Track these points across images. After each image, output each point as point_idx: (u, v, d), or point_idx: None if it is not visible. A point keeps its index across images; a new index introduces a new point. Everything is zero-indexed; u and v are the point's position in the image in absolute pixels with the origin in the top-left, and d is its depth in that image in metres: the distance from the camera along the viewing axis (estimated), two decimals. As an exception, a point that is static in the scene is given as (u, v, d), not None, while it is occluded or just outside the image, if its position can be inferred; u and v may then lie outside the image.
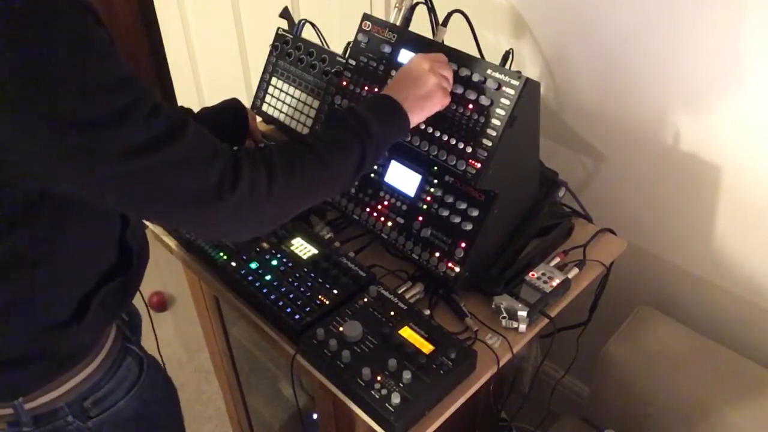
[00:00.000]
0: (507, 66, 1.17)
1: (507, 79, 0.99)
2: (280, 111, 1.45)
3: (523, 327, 1.06)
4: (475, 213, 1.07)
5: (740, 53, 1.11)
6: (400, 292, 1.10)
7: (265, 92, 1.48)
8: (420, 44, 1.10)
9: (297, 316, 1.04)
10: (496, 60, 1.13)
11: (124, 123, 0.67)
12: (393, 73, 1.10)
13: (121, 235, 0.89)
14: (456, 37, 1.17)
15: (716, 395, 1.20)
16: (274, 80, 1.46)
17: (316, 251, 1.15)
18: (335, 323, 1.02)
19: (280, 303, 1.06)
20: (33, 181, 0.71)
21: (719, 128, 1.20)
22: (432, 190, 1.12)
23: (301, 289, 1.08)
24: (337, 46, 1.48)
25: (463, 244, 1.08)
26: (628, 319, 1.36)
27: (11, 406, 0.86)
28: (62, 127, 0.64)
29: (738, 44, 1.10)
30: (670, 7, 1.14)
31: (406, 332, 1.00)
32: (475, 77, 1.02)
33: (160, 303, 2.42)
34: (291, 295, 1.07)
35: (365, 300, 1.06)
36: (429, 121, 1.05)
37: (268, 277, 1.10)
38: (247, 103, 1.37)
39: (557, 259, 1.17)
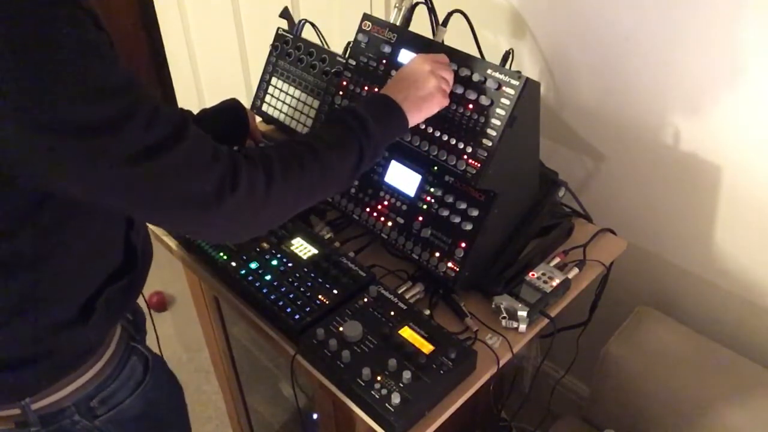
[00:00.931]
0: (507, 66, 1.17)
1: (507, 79, 0.99)
2: (280, 111, 1.45)
3: (523, 327, 1.06)
4: (475, 213, 1.07)
5: (740, 53, 1.11)
6: (400, 292, 1.10)
7: (265, 92, 1.48)
8: (420, 44, 1.10)
9: (297, 316, 1.04)
10: (496, 60, 1.13)
11: (124, 128, 0.67)
12: (393, 73, 1.10)
13: (126, 235, 0.89)
14: (456, 37, 1.17)
15: (716, 395, 1.20)
16: (274, 80, 1.46)
17: (316, 251, 1.15)
18: (335, 323, 1.02)
19: (280, 303, 1.06)
20: (35, 182, 0.71)
21: (719, 128, 1.20)
22: (432, 190, 1.12)
23: (301, 289, 1.08)
24: (337, 46, 1.48)
25: (463, 244, 1.08)
26: (628, 319, 1.36)
27: (18, 407, 0.86)
28: (62, 132, 0.64)
29: (737, 44, 1.10)
30: (670, 7, 1.14)
31: (406, 332, 1.00)
32: (475, 77, 1.02)
33: (160, 303, 2.42)
34: (291, 295, 1.07)
35: (365, 300, 1.06)
36: (429, 121, 1.05)
37: (268, 277, 1.10)
38: (247, 103, 1.37)
39: (557, 259, 1.17)
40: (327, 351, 0.98)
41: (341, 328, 1.00)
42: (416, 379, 0.93)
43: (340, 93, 1.19)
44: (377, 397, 0.92)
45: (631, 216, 1.42)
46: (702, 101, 1.19)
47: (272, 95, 1.47)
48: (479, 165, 1.02)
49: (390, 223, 1.17)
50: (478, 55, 1.15)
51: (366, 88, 1.15)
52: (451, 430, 1.04)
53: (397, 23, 1.20)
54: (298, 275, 1.11)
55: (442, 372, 0.94)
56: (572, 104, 1.40)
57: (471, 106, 1.02)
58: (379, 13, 1.62)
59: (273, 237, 1.18)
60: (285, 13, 1.47)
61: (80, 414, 0.90)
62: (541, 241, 1.20)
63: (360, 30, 1.17)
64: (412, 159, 1.15)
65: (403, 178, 1.16)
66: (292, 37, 1.43)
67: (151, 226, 1.23)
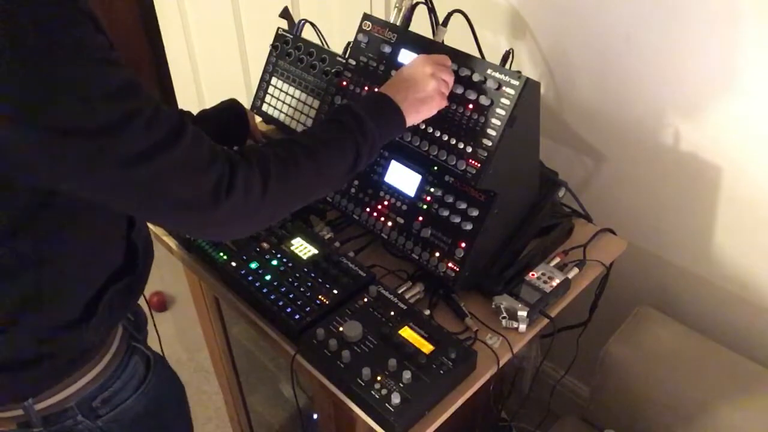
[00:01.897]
0: (507, 66, 1.17)
1: (507, 79, 0.99)
2: (280, 111, 1.45)
3: (523, 327, 1.06)
4: (475, 213, 1.07)
5: (740, 53, 1.11)
6: (400, 292, 1.10)
7: (265, 92, 1.48)
8: (420, 44, 1.10)
9: (297, 316, 1.04)
10: (496, 60, 1.13)
11: (124, 130, 0.67)
12: (393, 73, 1.09)
13: (127, 235, 0.90)
14: (456, 37, 1.17)
15: (716, 395, 1.20)
16: (274, 80, 1.46)
17: (316, 251, 1.15)
18: (335, 323, 1.02)
19: (280, 303, 1.06)
20: (35, 183, 0.71)
21: (719, 128, 1.20)
22: (432, 190, 1.12)
23: (301, 289, 1.08)
24: (337, 46, 1.48)
25: (463, 244, 1.08)
26: (628, 319, 1.36)
27: (21, 407, 0.86)
28: (63, 134, 0.65)
29: (737, 44, 1.10)
30: (670, 8, 1.14)
31: (406, 332, 1.00)
32: (475, 77, 1.02)
33: (160, 303, 2.42)
34: (291, 295, 1.07)
35: (365, 300, 1.06)
36: (429, 121, 1.05)
37: (268, 277, 1.10)
38: (247, 103, 1.37)
39: (557, 259, 1.17)
40: (327, 351, 0.98)
41: (341, 328, 1.00)
42: (416, 379, 0.93)
43: (340, 93, 1.19)
44: (377, 397, 0.92)
45: (631, 216, 1.42)
46: (702, 101, 1.19)
47: (272, 95, 1.47)
48: (479, 165, 1.02)
49: (390, 223, 1.17)
50: (478, 55, 1.15)
51: (366, 88, 1.15)
52: (451, 430, 1.04)
53: (397, 23, 1.20)
54: (298, 275, 1.11)
55: (442, 372, 0.94)
56: (572, 104, 1.40)
57: (471, 106, 1.02)
58: (379, 13, 1.62)
59: (273, 237, 1.18)
60: (285, 13, 1.47)
61: (83, 414, 0.90)
62: (541, 241, 1.20)
63: (360, 30, 1.17)
64: (412, 159, 1.15)
65: (403, 178, 1.16)
66: (292, 37, 1.43)
67: (151, 226, 1.23)
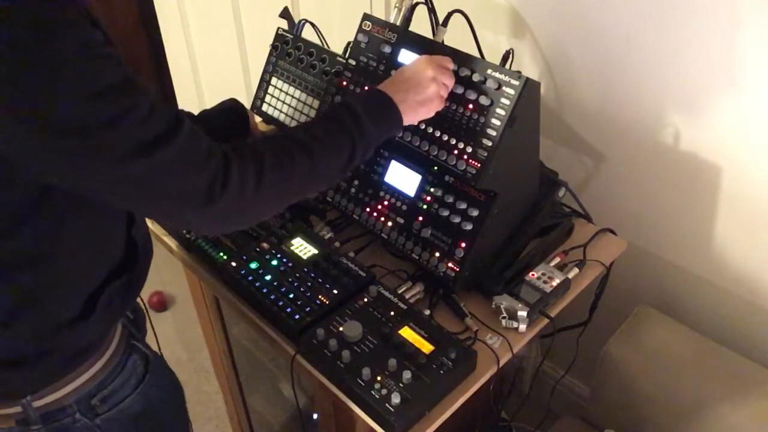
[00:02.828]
0: (507, 66, 1.17)
1: (507, 79, 0.99)
2: (280, 111, 1.45)
3: (523, 327, 1.06)
4: (475, 213, 1.07)
5: (740, 53, 1.11)
6: (400, 292, 1.10)
7: (265, 92, 1.48)
8: (420, 44, 1.10)
9: (297, 316, 1.04)
10: (496, 60, 1.13)
11: (120, 126, 0.68)
12: (393, 73, 1.09)
13: (126, 231, 0.90)
14: (456, 37, 1.17)
15: (716, 395, 1.20)
16: (274, 80, 1.46)
17: (316, 251, 1.15)
18: (335, 323, 1.02)
19: (280, 303, 1.06)
20: (33, 178, 0.72)
21: (719, 128, 1.20)
22: (432, 190, 1.12)
23: (301, 289, 1.08)
24: (337, 46, 1.48)
25: (463, 244, 1.08)
26: (628, 319, 1.36)
27: (20, 405, 0.86)
28: (59, 129, 0.65)
29: (737, 44, 1.10)
30: (670, 8, 1.14)
31: (406, 332, 1.00)
32: (475, 77, 1.02)
33: (160, 303, 2.42)
34: (291, 295, 1.07)
35: (365, 300, 1.06)
36: (429, 121, 1.05)
37: (268, 277, 1.10)
38: (247, 103, 1.37)
39: (557, 259, 1.17)
40: (327, 351, 0.98)
41: (341, 328, 1.00)
42: (416, 379, 0.93)
43: (340, 93, 1.19)
44: (377, 397, 0.92)
45: (631, 216, 1.42)
46: (702, 101, 1.19)
47: (272, 95, 1.47)
48: (479, 165, 1.02)
49: (390, 223, 1.17)
50: (478, 55, 1.15)
51: (366, 88, 1.15)
52: (451, 430, 1.03)
53: (397, 23, 1.20)
54: (298, 275, 1.11)
55: (442, 372, 0.94)
56: (572, 104, 1.40)
57: (471, 106, 1.02)
58: (379, 13, 1.62)
59: (273, 237, 1.18)
60: (285, 13, 1.47)
61: (81, 412, 0.91)
62: (541, 241, 1.20)
63: (360, 30, 1.16)
64: (412, 159, 1.15)
65: (403, 178, 1.16)
66: (292, 37, 1.43)
67: (151, 226, 1.23)
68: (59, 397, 0.89)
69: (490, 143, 1.01)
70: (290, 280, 1.10)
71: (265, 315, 1.08)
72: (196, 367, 2.23)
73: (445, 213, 1.10)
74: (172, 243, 1.24)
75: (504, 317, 1.06)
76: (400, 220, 1.16)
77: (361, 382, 0.94)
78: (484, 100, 1.01)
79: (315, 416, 1.30)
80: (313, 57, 1.38)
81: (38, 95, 0.63)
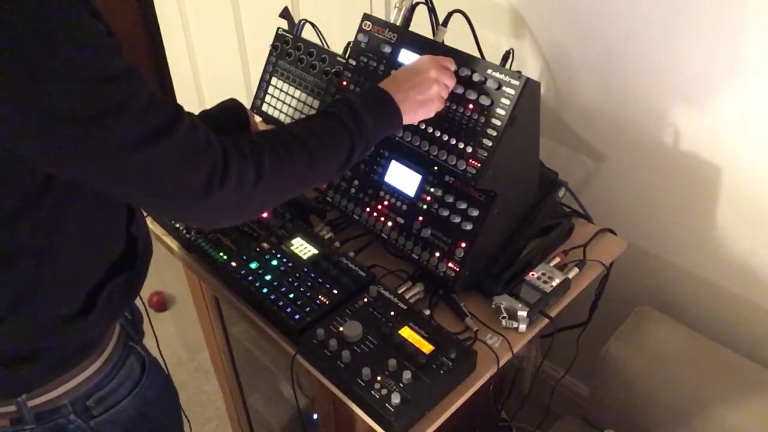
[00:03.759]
0: (507, 66, 1.17)
1: (507, 79, 0.99)
2: (280, 111, 1.45)
3: (523, 327, 1.06)
4: (475, 213, 1.07)
5: (740, 53, 1.11)
6: (400, 292, 1.10)
7: (265, 92, 1.48)
8: (420, 44, 1.10)
9: (297, 316, 1.04)
10: (496, 60, 1.13)
11: (120, 117, 0.68)
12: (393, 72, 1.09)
13: (126, 227, 0.90)
14: (456, 37, 1.17)
15: (716, 395, 1.20)
16: (274, 80, 1.46)
17: (316, 251, 1.15)
18: (335, 323, 1.02)
19: (280, 303, 1.06)
20: (33, 168, 0.72)
21: (719, 128, 1.20)
22: (432, 190, 1.12)
23: (301, 289, 1.08)
24: (337, 46, 1.48)
25: (463, 244, 1.08)
26: (628, 319, 1.36)
27: (15, 403, 0.86)
28: (58, 119, 0.65)
29: (738, 44, 1.10)
30: (670, 7, 1.14)
31: (406, 332, 1.00)
32: (476, 77, 1.02)
33: (160, 303, 2.42)
34: (291, 295, 1.07)
35: (365, 300, 1.06)
36: (429, 121, 1.05)
37: (268, 277, 1.10)
38: (247, 103, 1.37)
39: (557, 259, 1.17)
40: (327, 351, 0.98)
41: (341, 328, 1.00)
42: (416, 379, 0.93)
43: (340, 93, 1.19)
44: (377, 397, 0.92)
45: (631, 216, 1.42)
46: (702, 101, 1.19)
47: (272, 95, 1.47)
48: (479, 165, 1.02)
49: (390, 223, 1.17)
50: (478, 55, 1.15)
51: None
52: (451, 430, 1.04)
53: (397, 23, 1.20)
54: (298, 275, 1.11)
55: (442, 372, 0.94)
56: (572, 104, 1.40)
57: (471, 106, 1.02)
58: (379, 13, 1.62)
59: (273, 237, 1.18)
60: (285, 13, 1.47)
61: (76, 413, 0.90)
62: (541, 241, 1.20)
63: (360, 30, 1.16)
64: (412, 159, 1.15)
65: (403, 178, 1.16)
66: (292, 37, 1.43)
67: (151, 225, 1.23)
68: (55, 397, 0.88)
69: (490, 143, 1.01)
70: (290, 280, 1.10)
71: (265, 315, 1.08)
72: (196, 367, 2.23)
73: (445, 213, 1.10)
74: (172, 243, 1.24)
75: (504, 317, 1.06)
76: (400, 220, 1.16)
77: (361, 382, 0.94)
78: (484, 100, 1.01)
79: (315, 416, 1.30)
80: (313, 57, 1.39)
81: (36, 84, 0.63)
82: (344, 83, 1.19)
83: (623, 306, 1.42)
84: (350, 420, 1.03)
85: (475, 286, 1.13)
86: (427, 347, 0.98)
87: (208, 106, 1.29)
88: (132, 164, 0.70)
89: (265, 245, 1.16)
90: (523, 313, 1.04)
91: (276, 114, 1.46)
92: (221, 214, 0.80)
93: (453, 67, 1.03)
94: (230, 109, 1.30)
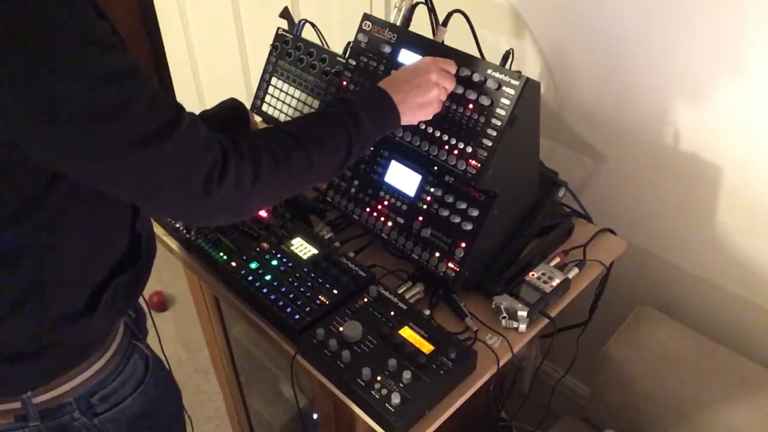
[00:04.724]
0: (507, 66, 1.17)
1: (507, 79, 0.99)
2: (280, 111, 1.45)
3: (523, 327, 1.06)
4: (475, 213, 1.07)
5: (740, 53, 1.11)
6: (400, 292, 1.10)
7: (265, 92, 1.48)
8: (420, 44, 1.10)
9: (297, 316, 1.04)
10: (496, 60, 1.13)
11: (122, 116, 0.68)
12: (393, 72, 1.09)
13: (131, 224, 0.90)
14: (456, 37, 1.17)
15: (716, 395, 1.20)
16: (274, 80, 1.46)
17: (316, 251, 1.15)
18: (335, 323, 1.02)
19: (280, 303, 1.06)
20: (37, 166, 0.72)
21: (719, 128, 1.20)
22: (432, 190, 1.12)
23: (301, 289, 1.08)
24: (337, 46, 1.48)
25: (463, 244, 1.08)
26: (628, 319, 1.36)
27: (20, 400, 0.86)
28: (62, 118, 0.65)
29: (738, 44, 1.10)
30: (671, 7, 1.14)
31: (406, 332, 1.00)
32: (476, 77, 1.02)
33: (160, 303, 2.42)
34: (291, 295, 1.07)
35: (365, 300, 1.06)
36: (429, 121, 1.05)
37: (268, 277, 1.10)
38: (247, 103, 1.37)
39: (557, 259, 1.17)
40: (327, 351, 0.98)
41: (341, 328, 1.00)
42: (416, 379, 0.93)
43: (340, 93, 1.19)
44: (377, 397, 0.92)
45: (631, 216, 1.42)
46: (702, 101, 1.19)
47: (272, 95, 1.47)
48: (479, 165, 1.02)
49: (390, 223, 1.17)
50: (478, 55, 1.15)
51: (366, 88, 1.15)
52: (451, 430, 1.04)
53: (397, 23, 1.20)
54: (298, 275, 1.11)
55: (442, 372, 0.94)
56: (572, 104, 1.40)
57: (471, 106, 1.02)
58: (379, 13, 1.62)
59: (273, 237, 1.18)
60: (285, 13, 1.47)
61: (80, 411, 0.90)
62: (541, 241, 1.20)
63: (360, 30, 1.16)
64: (412, 159, 1.15)
65: (403, 178, 1.16)
66: (292, 37, 1.43)
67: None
68: (60, 394, 0.89)
69: (490, 143, 1.01)
70: (290, 280, 1.10)
71: (265, 315, 1.08)
72: (196, 367, 2.23)
73: (445, 213, 1.10)
74: (172, 243, 1.24)
75: (504, 317, 1.06)
76: (400, 220, 1.16)
77: (361, 382, 0.94)
78: (484, 100, 1.01)
79: (315, 416, 1.30)
80: (313, 57, 1.38)
81: (39, 82, 0.63)
82: (344, 83, 1.19)
83: (623, 306, 1.42)
84: (350, 420, 1.03)
85: (475, 286, 1.13)
86: (427, 347, 0.98)
87: (208, 106, 1.29)
88: (132, 163, 0.70)
89: (265, 245, 1.16)
90: (523, 313, 1.04)
91: (276, 114, 1.46)
92: (218, 213, 0.80)
93: (454, 70, 1.02)
94: (230, 109, 1.30)
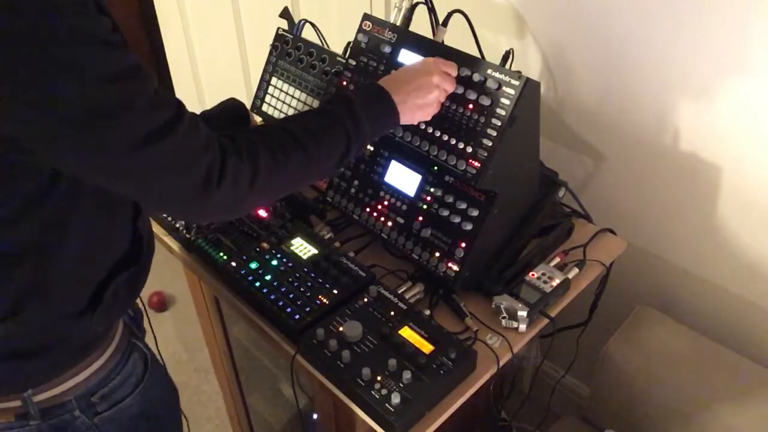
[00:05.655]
0: (507, 66, 1.17)
1: (507, 79, 0.99)
2: (280, 111, 1.45)
3: (523, 327, 1.06)
4: (475, 213, 1.07)
5: (740, 53, 1.11)
6: (400, 292, 1.10)
7: (265, 92, 1.48)
8: (420, 44, 1.10)
9: (297, 316, 1.04)
10: (496, 60, 1.13)
11: (123, 115, 0.68)
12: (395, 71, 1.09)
13: (133, 222, 0.90)
14: (456, 37, 1.17)
15: (716, 395, 1.20)
16: (274, 80, 1.46)
17: (316, 251, 1.15)
18: (335, 323, 1.02)
19: (280, 303, 1.06)
20: (38, 165, 0.72)
21: (719, 128, 1.20)
22: (432, 190, 1.12)
23: (301, 289, 1.08)
24: (337, 46, 1.48)
25: (463, 244, 1.08)
26: (628, 319, 1.36)
27: (21, 398, 0.86)
28: (63, 116, 0.65)
29: (738, 44, 1.10)
30: (671, 7, 1.14)
31: (406, 332, 1.00)
32: (476, 77, 1.02)
33: (160, 303, 2.42)
34: (291, 295, 1.07)
35: (365, 300, 1.06)
36: (429, 121, 1.05)
37: (268, 277, 1.10)
38: (247, 103, 1.37)
39: (557, 259, 1.17)
40: (327, 351, 0.98)
41: (341, 328, 1.00)
42: (416, 379, 0.93)
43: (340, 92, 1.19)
44: (377, 397, 0.92)
45: (631, 216, 1.42)
46: (702, 101, 1.19)
47: (272, 95, 1.47)
48: (479, 165, 1.02)
49: (390, 223, 1.17)
50: (478, 55, 1.15)
51: (366, 88, 1.15)
52: (451, 430, 1.04)
53: (397, 23, 1.20)
54: (298, 275, 1.11)
55: (442, 372, 0.94)
56: (572, 104, 1.40)
57: (471, 106, 1.02)
58: (379, 13, 1.62)
59: (273, 237, 1.18)
60: (285, 13, 1.47)
61: (81, 409, 0.91)
62: (541, 241, 1.20)
63: (360, 30, 1.17)
64: (412, 159, 1.15)
65: (403, 178, 1.16)
66: (292, 37, 1.43)
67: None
68: (60, 393, 0.89)
69: (490, 143, 1.01)
70: (290, 280, 1.10)
71: (265, 315, 1.08)
72: (196, 367, 2.22)
73: (445, 213, 1.10)
74: (172, 243, 1.24)
75: (504, 317, 1.06)
76: (400, 220, 1.16)
77: (361, 382, 0.94)
78: (484, 100, 1.01)
79: (315, 416, 1.29)
80: (313, 57, 1.39)
81: (39, 80, 0.63)
82: (344, 83, 1.19)
83: (623, 306, 1.42)
84: (350, 420, 1.03)
85: (475, 286, 1.13)
86: (427, 347, 0.98)
87: (208, 106, 1.29)
88: (132, 161, 0.70)
89: (265, 245, 1.16)
90: (523, 313, 1.04)
91: (276, 114, 1.46)
92: (216, 210, 0.81)
93: (455, 72, 1.02)
94: (231, 108, 1.30)
